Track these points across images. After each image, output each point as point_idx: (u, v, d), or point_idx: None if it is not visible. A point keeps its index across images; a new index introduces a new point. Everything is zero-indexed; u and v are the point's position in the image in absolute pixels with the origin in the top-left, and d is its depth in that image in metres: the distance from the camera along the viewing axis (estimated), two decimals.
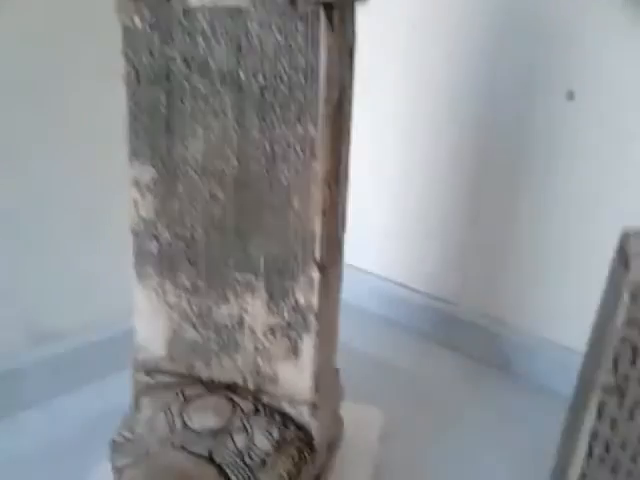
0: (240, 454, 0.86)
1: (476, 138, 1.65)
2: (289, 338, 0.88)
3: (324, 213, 0.81)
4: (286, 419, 0.93)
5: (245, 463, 0.86)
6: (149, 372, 0.97)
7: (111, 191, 1.16)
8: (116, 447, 0.91)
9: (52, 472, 1.13)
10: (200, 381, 0.96)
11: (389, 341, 1.75)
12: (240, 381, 0.93)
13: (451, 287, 1.80)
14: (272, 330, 0.89)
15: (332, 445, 1.07)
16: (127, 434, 0.91)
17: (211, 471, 0.83)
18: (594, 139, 1.41)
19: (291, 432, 0.92)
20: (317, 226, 0.81)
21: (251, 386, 0.93)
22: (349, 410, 1.13)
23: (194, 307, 0.91)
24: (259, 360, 0.91)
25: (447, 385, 1.60)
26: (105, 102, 1.12)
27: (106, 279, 1.42)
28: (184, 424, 0.89)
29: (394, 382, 1.24)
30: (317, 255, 0.83)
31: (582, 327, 1.63)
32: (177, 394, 0.94)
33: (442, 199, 1.76)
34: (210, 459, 0.85)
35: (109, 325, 1.48)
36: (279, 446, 0.89)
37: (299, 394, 0.91)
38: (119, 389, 1.06)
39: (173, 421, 0.89)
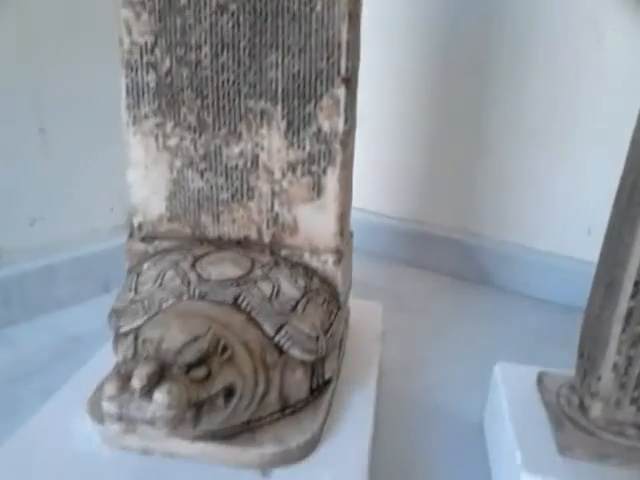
0: (269, 300, 0.76)
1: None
2: (311, 174, 0.79)
3: (350, 17, 0.73)
4: (308, 273, 0.83)
5: (274, 309, 0.75)
6: (146, 239, 0.86)
7: None
8: (118, 313, 0.79)
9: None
10: (207, 242, 0.85)
11: (367, 269, 1.67)
12: (254, 235, 0.84)
13: (423, 208, 1.75)
14: (292, 167, 0.80)
15: (346, 323, 0.98)
16: (130, 295, 0.79)
17: (239, 317, 0.73)
18: None
19: (316, 283, 0.82)
20: (343, 33, 0.73)
21: (267, 239, 0.84)
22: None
23: (200, 149, 0.81)
24: (276, 206, 0.82)
25: (431, 299, 1.56)
26: None
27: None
28: (199, 277, 0.78)
29: (377, 299, 1.21)
30: (343, 68, 0.74)
31: (558, 230, 1.64)
32: (184, 253, 0.83)
33: (409, 118, 1.71)
34: (236, 306, 0.74)
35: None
36: (307, 294, 0.79)
37: (322, 241, 0.82)
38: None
39: (186, 275, 0.78)
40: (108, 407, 0.59)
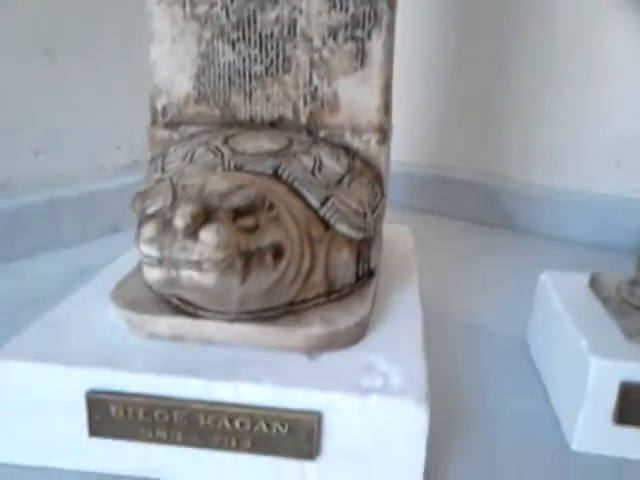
0: (311, 172, 0.68)
1: None
2: (354, 39, 0.72)
3: None
4: (350, 153, 0.76)
5: (318, 181, 0.68)
6: (171, 124, 0.78)
7: None
8: (143, 194, 0.71)
9: None
10: (238, 124, 0.78)
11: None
12: (290, 114, 0.76)
13: (440, 151, 1.68)
14: (333, 32, 0.73)
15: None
16: (157, 175, 0.71)
17: (281, 188, 0.65)
18: None
19: (359, 165, 0.75)
20: None
21: (304, 118, 0.76)
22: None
23: (232, 16, 0.73)
24: (315, 78, 0.74)
25: (454, 240, 1.49)
26: None
27: None
28: (233, 151, 0.70)
29: None
30: None
31: (586, 166, 1.57)
32: (214, 134, 0.75)
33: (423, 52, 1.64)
34: (276, 177, 0.67)
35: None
36: (351, 172, 0.72)
37: (365, 118, 0.76)
38: None
39: (218, 150, 0.70)
40: (147, 250, 0.51)
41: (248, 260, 0.55)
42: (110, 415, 0.61)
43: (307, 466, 0.61)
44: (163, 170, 0.72)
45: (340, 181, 0.70)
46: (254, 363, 0.63)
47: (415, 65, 1.59)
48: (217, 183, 0.56)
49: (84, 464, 0.64)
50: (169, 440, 0.61)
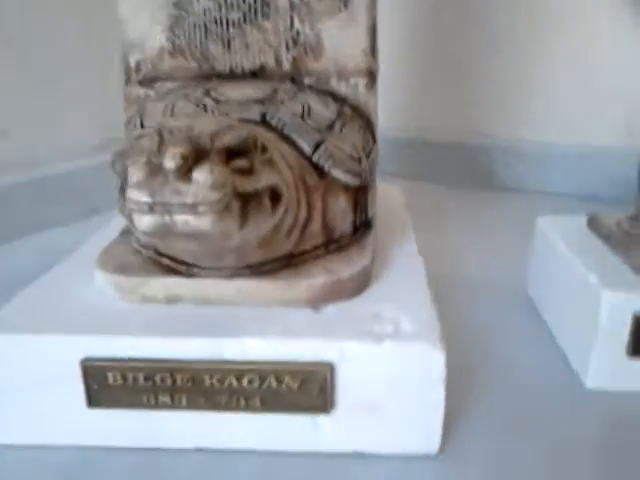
0: (301, 117, 0.65)
1: None
2: None
3: None
4: (337, 100, 0.72)
5: (309, 126, 0.64)
6: (145, 81, 0.74)
7: None
8: (124, 153, 0.66)
9: None
10: (217, 77, 0.73)
11: None
12: (271, 62, 0.73)
13: (422, 115, 1.65)
14: None
15: None
16: (136, 133, 0.67)
17: (270, 134, 0.62)
18: None
19: (348, 111, 0.71)
20: None
21: (286, 66, 0.73)
22: None
23: None
24: (297, 22, 0.71)
25: (442, 204, 1.47)
26: None
27: None
28: (216, 100, 0.66)
29: None
30: None
31: (559, 120, 1.55)
32: (192, 87, 0.71)
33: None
34: (265, 124, 0.63)
35: None
36: (341, 117, 0.68)
37: (351, 61, 0.73)
38: None
39: (200, 100, 0.66)
40: (137, 195, 0.47)
41: (245, 203, 0.51)
42: (108, 383, 0.57)
43: (321, 421, 0.58)
44: (142, 126, 0.67)
45: (331, 126, 0.67)
46: (257, 319, 0.59)
47: (393, 22, 1.56)
48: (205, 124, 0.52)
49: (84, 439, 0.60)
50: (173, 405, 0.58)
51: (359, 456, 0.60)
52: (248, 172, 0.52)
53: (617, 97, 1.39)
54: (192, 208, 0.47)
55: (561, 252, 0.79)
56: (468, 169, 1.59)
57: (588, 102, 1.43)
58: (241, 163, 0.51)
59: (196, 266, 0.61)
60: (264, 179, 0.53)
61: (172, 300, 0.61)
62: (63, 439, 0.60)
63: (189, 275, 0.61)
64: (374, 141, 0.73)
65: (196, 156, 0.48)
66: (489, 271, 1.04)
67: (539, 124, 1.51)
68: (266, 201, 0.54)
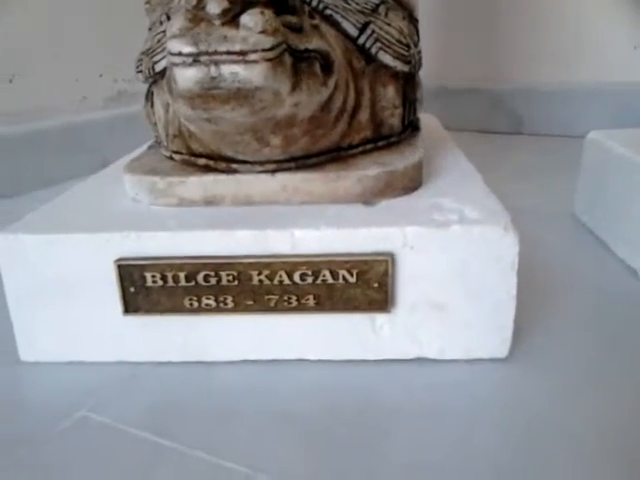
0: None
1: None
2: None
3: None
4: None
5: (352, 7, 0.58)
6: None
7: None
8: (149, 52, 0.61)
9: None
10: None
11: None
12: None
13: (441, 61, 1.58)
14: None
15: None
16: (161, 29, 0.61)
17: (310, 8, 0.55)
18: None
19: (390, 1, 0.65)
20: None
21: None
22: None
23: None
24: None
25: (469, 148, 1.40)
26: None
27: None
28: None
29: None
30: None
31: (599, 54, 1.48)
32: None
33: None
34: (304, 3, 0.56)
35: None
36: (385, 2, 0.62)
37: None
38: None
39: None
40: (179, 45, 0.41)
41: (297, 63, 0.45)
42: (146, 285, 0.51)
43: (380, 322, 0.53)
44: (169, 19, 0.61)
45: (376, 9, 0.60)
46: (306, 214, 0.53)
47: None
48: None
49: (119, 353, 0.54)
50: (218, 308, 0.52)
51: (422, 362, 0.54)
52: (298, 31, 0.46)
53: None
54: (242, 56, 0.41)
55: (625, 158, 0.72)
56: (491, 114, 1.52)
57: (618, 38, 1.35)
58: (291, 19, 0.45)
59: (236, 161, 0.55)
60: (315, 42, 0.47)
61: (211, 201, 0.56)
62: (97, 354, 0.55)
63: (229, 172, 0.55)
64: (418, 36, 0.67)
65: (243, 5, 0.42)
66: (535, 201, 0.98)
67: (567, 63, 1.43)
68: (317, 67, 0.48)
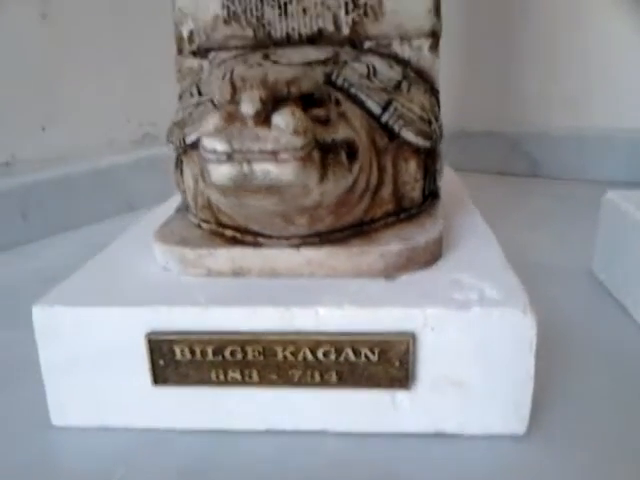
0: (367, 77, 0.61)
1: None
2: None
3: None
4: (400, 63, 0.68)
5: (376, 85, 0.60)
6: (199, 51, 0.70)
7: None
8: (181, 123, 0.63)
9: None
10: (273, 44, 0.70)
11: None
12: (330, 26, 0.69)
13: (458, 105, 1.60)
14: None
15: None
16: (193, 100, 0.64)
17: (336, 94, 0.58)
18: None
19: (412, 73, 0.67)
20: None
21: (345, 30, 0.69)
22: None
23: None
24: None
25: (482, 193, 1.42)
26: None
27: None
28: (278, 63, 0.62)
29: None
30: None
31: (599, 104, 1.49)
32: (250, 54, 0.67)
33: None
34: (330, 83, 0.59)
35: None
36: (407, 78, 0.64)
37: (414, 22, 0.68)
38: None
39: (260, 65, 0.62)
40: (213, 143, 0.44)
41: (325, 154, 0.47)
42: (175, 358, 0.53)
43: (400, 397, 0.54)
44: (200, 94, 0.64)
45: (398, 86, 0.62)
46: (329, 289, 0.55)
47: None
48: (280, 72, 0.48)
49: (149, 420, 0.56)
50: (244, 381, 0.54)
51: (441, 437, 0.55)
52: (325, 122, 0.48)
53: None
54: (273, 155, 0.43)
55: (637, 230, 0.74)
56: (506, 157, 1.53)
57: (631, 87, 1.36)
58: (319, 112, 0.47)
59: (262, 235, 0.57)
60: (341, 132, 0.50)
61: (238, 272, 0.58)
62: (126, 420, 0.57)
63: (255, 245, 0.57)
64: (439, 107, 0.69)
65: (273, 103, 0.45)
66: (549, 252, 0.98)
67: (581, 109, 1.45)
68: (343, 156, 0.50)
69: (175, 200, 0.74)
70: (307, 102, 0.48)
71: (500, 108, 1.55)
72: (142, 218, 0.77)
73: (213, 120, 0.44)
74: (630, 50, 1.38)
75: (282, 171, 0.44)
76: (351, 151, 0.52)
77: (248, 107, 0.43)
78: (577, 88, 1.45)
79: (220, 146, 0.44)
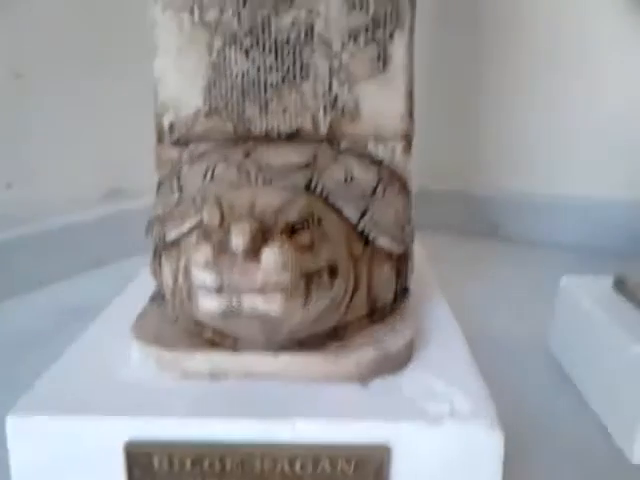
0: (344, 184, 0.64)
1: None
2: (375, 41, 0.68)
3: None
4: (375, 163, 0.72)
5: (353, 193, 0.63)
6: (180, 142, 0.72)
7: None
8: (162, 219, 0.65)
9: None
10: (252, 139, 0.72)
11: None
12: (308, 125, 0.71)
13: (421, 167, 1.65)
14: (353, 35, 0.68)
15: None
16: (174, 197, 0.65)
17: (317, 202, 0.60)
18: None
19: (387, 173, 0.71)
20: None
21: (323, 129, 0.71)
22: None
23: (244, 22, 0.68)
24: (335, 85, 0.70)
25: (441, 254, 1.46)
26: None
27: None
28: (258, 166, 0.65)
29: None
30: None
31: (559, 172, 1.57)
32: (231, 149, 0.70)
33: None
34: (309, 192, 0.62)
35: None
36: (383, 181, 0.67)
37: (388, 125, 0.71)
38: None
39: (242, 165, 0.65)
40: (204, 277, 0.45)
41: (308, 281, 0.49)
42: (153, 469, 0.53)
43: None
44: (181, 191, 0.65)
45: (374, 192, 0.65)
46: (305, 396, 0.57)
47: None
48: (267, 197, 0.50)
49: None
50: None
51: None
52: (309, 248, 0.50)
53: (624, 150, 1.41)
54: (261, 291, 0.45)
55: (594, 318, 0.78)
56: (468, 219, 1.59)
57: (592, 156, 1.44)
58: (303, 239, 0.50)
59: (241, 340, 0.58)
60: (324, 255, 0.52)
61: (216, 375, 0.59)
62: None
63: (234, 349, 0.58)
64: (410, 206, 0.72)
65: (262, 235, 0.46)
66: (509, 328, 1.02)
67: (542, 176, 1.52)
68: (325, 277, 0.52)
69: (142, 263, 0.74)
70: (294, 226, 0.50)
71: (464, 169, 1.61)
72: (113, 302, 0.77)
73: (203, 252, 0.46)
74: (586, 114, 1.45)
75: (270, 306, 0.46)
76: (332, 270, 0.53)
77: (237, 242, 0.45)
78: (536, 156, 1.52)
79: (210, 281, 0.45)
